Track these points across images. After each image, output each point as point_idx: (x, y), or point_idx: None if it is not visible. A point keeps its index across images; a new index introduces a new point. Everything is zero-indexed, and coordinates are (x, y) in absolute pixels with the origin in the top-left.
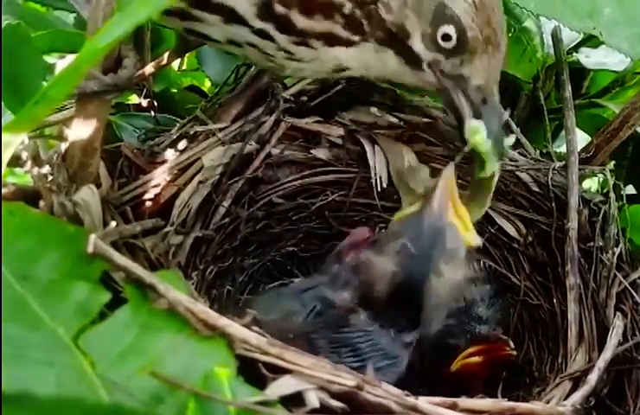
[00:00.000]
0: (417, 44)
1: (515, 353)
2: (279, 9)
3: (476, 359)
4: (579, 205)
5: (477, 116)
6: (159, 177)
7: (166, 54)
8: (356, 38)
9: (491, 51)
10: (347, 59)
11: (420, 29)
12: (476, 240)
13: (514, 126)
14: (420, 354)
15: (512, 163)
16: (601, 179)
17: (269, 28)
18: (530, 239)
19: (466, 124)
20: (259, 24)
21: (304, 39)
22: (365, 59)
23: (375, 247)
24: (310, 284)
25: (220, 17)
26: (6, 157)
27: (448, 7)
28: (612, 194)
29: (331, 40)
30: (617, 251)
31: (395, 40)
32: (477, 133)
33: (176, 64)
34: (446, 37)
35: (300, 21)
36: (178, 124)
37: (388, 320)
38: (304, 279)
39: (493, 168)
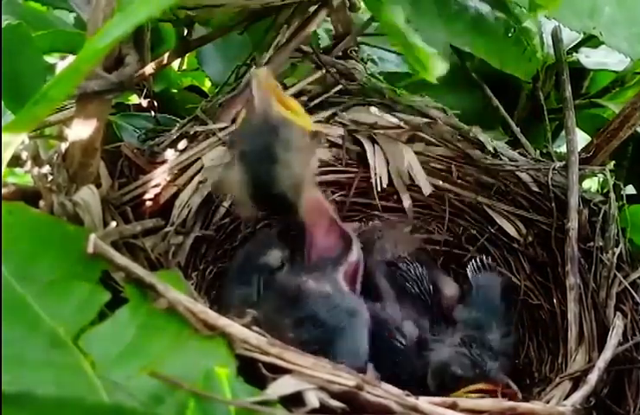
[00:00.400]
0: None
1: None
2: None
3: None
4: (579, 205)
5: None
6: (159, 177)
7: (166, 54)
8: None
9: None
10: None
11: None
12: (311, 125)
13: (514, 126)
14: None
15: (512, 163)
16: (601, 179)
17: None
18: (530, 239)
19: None
20: None
21: None
22: None
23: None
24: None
25: None
26: (6, 157)
27: None
28: (612, 194)
29: None
30: (617, 251)
31: None
32: None
33: (176, 64)
34: None
35: None
36: (178, 124)
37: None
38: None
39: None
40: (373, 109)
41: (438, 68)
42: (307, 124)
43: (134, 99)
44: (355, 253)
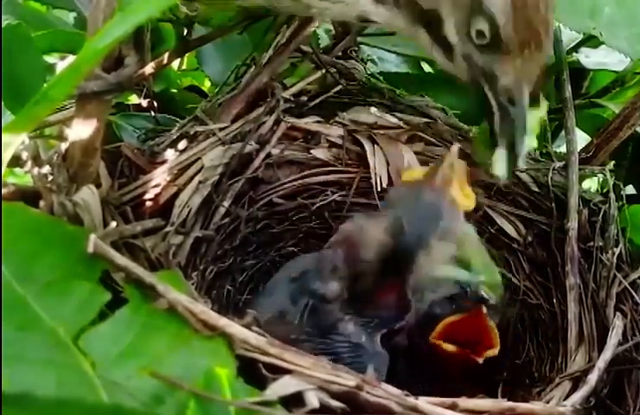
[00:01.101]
0: (451, 33)
1: (492, 326)
2: None
3: (450, 347)
4: (579, 205)
5: (503, 117)
6: (159, 177)
7: (166, 54)
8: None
9: (528, 54)
10: (374, 12)
11: (454, 19)
12: (470, 203)
13: None
14: (408, 334)
15: None
16: (601, 179)
17: None
18: (530, 239)
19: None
20: None
21: None
22: (393, 21)
23: (368, 214)
24: (297, 271)
25: None
26: (6, 157)
27: (484, 3)
28: (612, 194)
29: None
30: (617, 251)
31: (427, 22)
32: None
33: (175, 64)
34: (480, 34)
35: None
36: (178, 124)
37: (372, 310)
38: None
39: (499, 172)
40: (373, 109)
41: None
42: (466, 203)
43: (134, 99)
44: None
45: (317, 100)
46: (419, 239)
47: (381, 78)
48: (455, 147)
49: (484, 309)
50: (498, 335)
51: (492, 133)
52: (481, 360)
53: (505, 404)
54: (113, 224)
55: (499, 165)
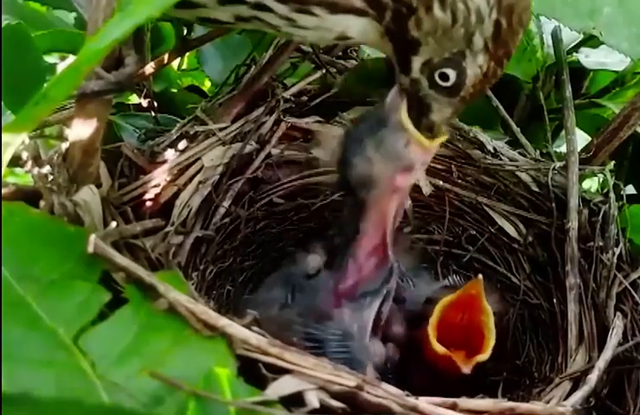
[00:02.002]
0: (416, 63)
1: (483, 355)
2: None
3: (440, 349)
4: (579, 205)
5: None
6: (159, 177)
7: (166, 54)
8: (371, 12)
9: (470, 99)
10: (351, 28)
11: (429, 55)
12: (429, 145)
13: (514, 126)
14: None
15: (512, 163)
16: (601, 179)
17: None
18: (530, 239)
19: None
20: None
21: (305, 6)
22: (369, 34)
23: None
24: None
25: None
26: (6, 157)
27: (465, 60)
28: (612, 194)
29: (334, 7)
30: (617, 251)
31: (404, 45)
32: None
33: (175, 64)
34: (444, 77)
35: None
36: (178, 124)
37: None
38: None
39: None
40: None
41: None
42: (424, 143)
43: (134, 99)
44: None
45: (317, 100)
46: (359, 146)
47: None
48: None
49: (481, 281)
50: (494, 333)
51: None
52: (467, 370)
53: (505, 404)
54: (113, 224)
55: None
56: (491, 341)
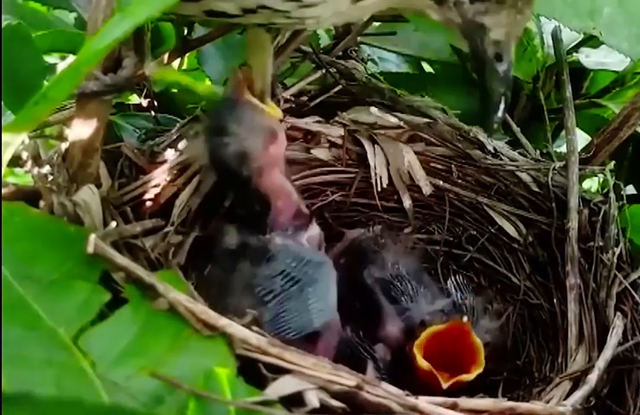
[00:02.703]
0: None
1: (475, 338)
2: None
3: (424, 364)
4: (579, 205)
5: (489, 71)
6: (159, 177)
7: (166, 54)
8: None
9: (518, 8)
10: None
11: None
12: (278, 113)
13: (514, 126)
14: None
15: (512, 163)
16: (601, 179)
17: None
18: (530, 239)
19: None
20: None
21: None
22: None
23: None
24: None
25: None
26: (6, 157)
27: None
28: (612, 194)
29: None
30: (617, 251)
31: None
32: None
33: (176, 64)
34: None
35: None
36: (178, 124)
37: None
38: None
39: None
40: (373, 109)
41: None
42: (273, 112)
43: (134, 99)
44: (316, 229)
45: (317, 100)
46: (219, 129)
47: (382, 78)
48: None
49: (467, 322)
50: (482, 354)
51: (482, 87)
52: (445, 386)
53: (505, 404)
54: (113, 224)
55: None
56: (479, 369)
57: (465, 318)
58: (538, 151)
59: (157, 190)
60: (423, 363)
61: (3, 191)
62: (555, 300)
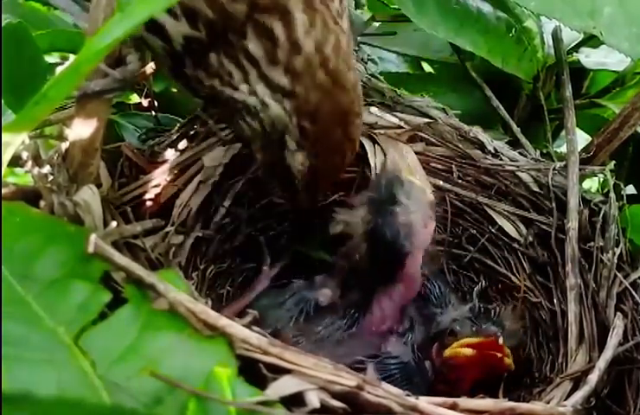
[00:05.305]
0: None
1: (508, 361)
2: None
3: (468, 351)
4: (580, 205)
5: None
6: (159, 177)
7: None
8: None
9: None
10: None
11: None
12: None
13: (514, 126)
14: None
15: (512, 163)
16: (601, 179)
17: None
18: (530, 239)
19: None
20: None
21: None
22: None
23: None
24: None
25: None
26: (6, 157)
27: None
28: (613, 194)
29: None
30: (618, 251)
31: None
32: None
33: None
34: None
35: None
36: (179, 124)
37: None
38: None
39: None
40: (373, 109)
41: None
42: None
43: (135, 99)
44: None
45: None
46: (390, 203)
47: (382, 78)
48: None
49: (501, 339)
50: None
51: None
52: (508, 360)
53: (505, 404)
54: (114, 224)
55: None
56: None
57: (501, 340)
58: (538, 151)
59: (158, 190)
60: (467, 352)
61: (3, 191)
62: (555, 300)
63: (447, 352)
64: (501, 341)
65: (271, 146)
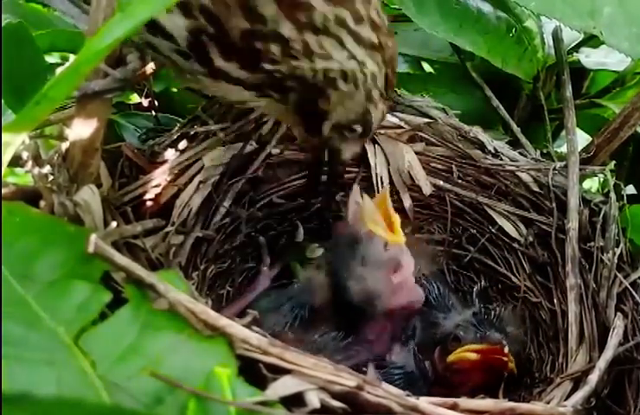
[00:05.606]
0: (326, 127)
1: (511, 365)
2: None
3: (473, 355)
4: (580, 205)
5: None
6: (160, 177)
7: None
8: (275, 95)
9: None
10: (254, 104)
11: (338, 119)
12: (400, 236)
13: (514, 126)
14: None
15: (512, 163)
16: (601, 179)
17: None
18: (530, 239)
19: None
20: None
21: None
22: (270, 108)
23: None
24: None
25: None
26: (7, 157)
27: (368, 115)
28: (613, 195)
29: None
30: (618, 251)
31: (312, 116)
32: None
33: None
34: (352, 130)
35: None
36: (179, 124)
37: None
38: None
39: None
40: None
41: None
42: (396, 235)
43: (135, 99)
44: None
45: None
46: (346, 271)
47: None
48: (355, 187)
49: (506, 347)
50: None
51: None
52: (511, 365)
53: (506, 404)
54: (114, 224)
55: None
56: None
57: (506, 348)
58: (538, 151)
59: (158, 190)
60: (472, 356)
61: (3, 191)
62: (556, 300)
63: (451, 357)
64: (506, 350)
65: (354, 108)
